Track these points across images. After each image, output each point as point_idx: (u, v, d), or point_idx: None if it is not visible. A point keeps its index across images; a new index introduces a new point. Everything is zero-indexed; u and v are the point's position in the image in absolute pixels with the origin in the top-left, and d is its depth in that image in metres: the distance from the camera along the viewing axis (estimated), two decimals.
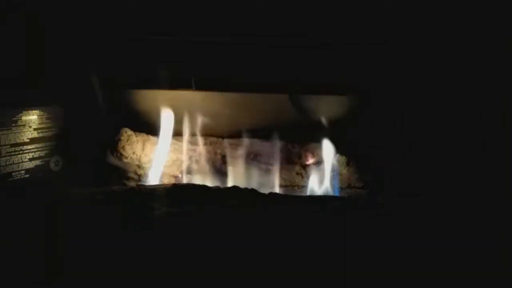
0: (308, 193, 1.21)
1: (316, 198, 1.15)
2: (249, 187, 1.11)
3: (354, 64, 1.12)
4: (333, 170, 1.23)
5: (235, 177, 1.23)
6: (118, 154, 1.25)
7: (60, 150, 1.17)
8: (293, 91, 1.21)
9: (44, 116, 1.13)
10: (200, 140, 1.26)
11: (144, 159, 1.26)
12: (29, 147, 1.11)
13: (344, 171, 1.25)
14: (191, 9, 1.10)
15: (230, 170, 1.24)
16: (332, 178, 1.22)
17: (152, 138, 1.28)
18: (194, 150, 1.26)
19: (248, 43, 1.12)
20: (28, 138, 1.10)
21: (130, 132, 1.27)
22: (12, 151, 1.07)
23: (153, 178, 1.24)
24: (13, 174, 1.08)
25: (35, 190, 1.08)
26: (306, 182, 1.24)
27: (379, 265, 0.87)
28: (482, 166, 1.09)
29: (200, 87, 1.20)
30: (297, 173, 1.27)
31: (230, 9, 1.09)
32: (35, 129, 1.12)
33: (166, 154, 1.26)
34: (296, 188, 1.26)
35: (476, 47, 1.07)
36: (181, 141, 1.29)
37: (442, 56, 1.09)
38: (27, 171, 1.10)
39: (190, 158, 1.26)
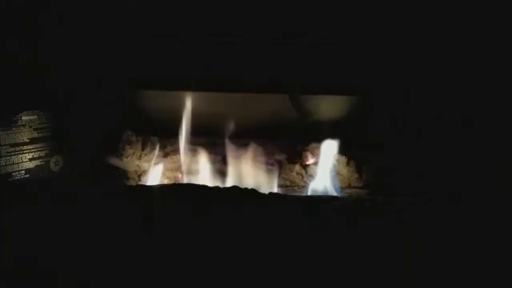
0: (308, 193, 1.21)
1: (316, 198, 1.14)
2: (249, 187, 1.11)
3: (354, 64, 1.12)
4: (333, 170, 1.23)
5: (235, 177, 1.23)
6: (118, 154, 1.25)
7: (60, 150, 1.17)
8: (293, 91, 1.21)
9: (44, 116, 1.13)
10: (200, 140, 1.26)
11: (144, 159, 1.26)
12: (29, 147, 1.10)
13: (344, 171, 1.25)
14: (192, 9, 1.10)
15: (230, 170, 1.24)
16: (332, 178, 1.22)
17: (152, 138, 1.28)
18: (194, 150, 1.26)
19: (248, 43, 1.11)
20: (28, 138, 1.10)
21: (130, 132, 1.27)
22: (12, 151, 1.07)
23: (153, 178, 1.24)
24: (13, 174, 1.08)
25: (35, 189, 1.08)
26: (306, 182, 1.24)
27: (379, 264, 0.87)
28: (482, 166, 1.09)
29: (200, 87, 1.19)
30: (297, 173, 1.27)
31: (230, 9, 1.09)
32: (35, 129, 1.11)
33: (166, 154, 1.26)
34: (296, 188, 1.26)
35: (476, 47, 1.07)
36: (181, 141, 1.29)
37: (443, 55, 1.09)
38: (27, 171, 1.10)
39: (190, 158, 1.26)
